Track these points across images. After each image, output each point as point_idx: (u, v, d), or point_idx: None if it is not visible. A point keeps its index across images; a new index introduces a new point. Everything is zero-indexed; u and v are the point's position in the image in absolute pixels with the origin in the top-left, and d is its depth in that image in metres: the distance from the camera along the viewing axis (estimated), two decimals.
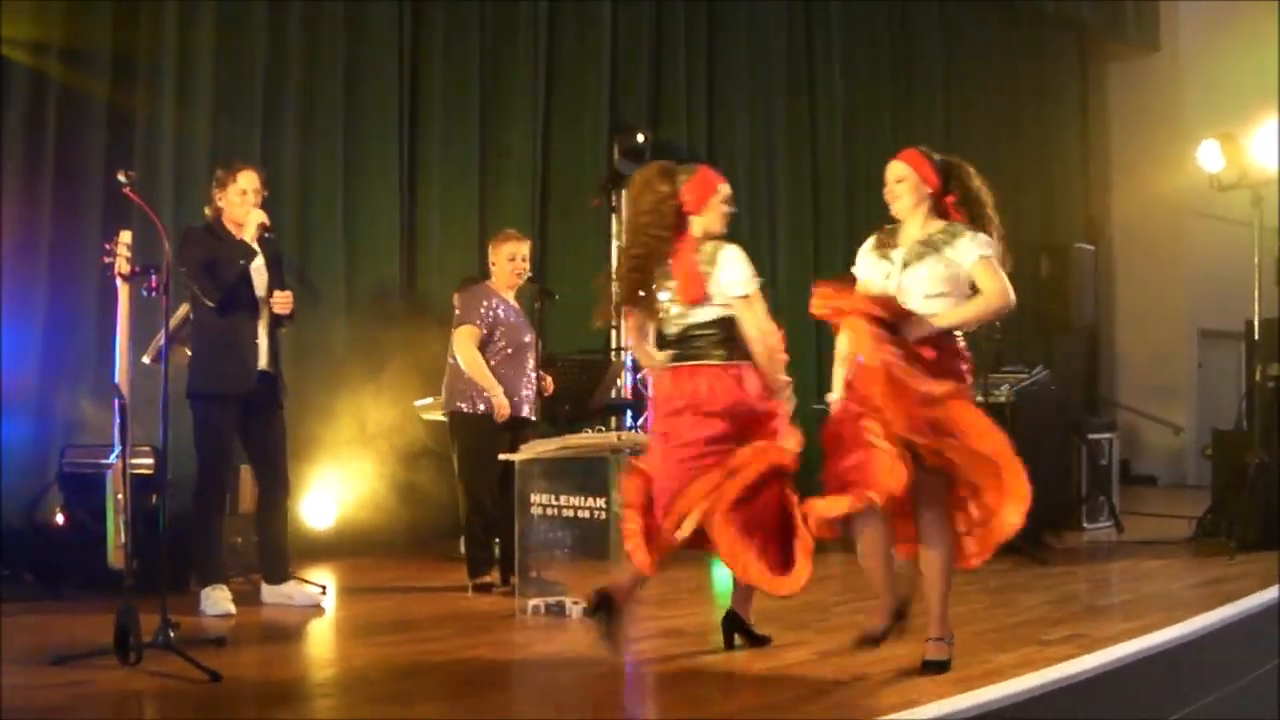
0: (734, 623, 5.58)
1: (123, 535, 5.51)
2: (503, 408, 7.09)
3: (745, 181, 11.90)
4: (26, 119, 7.77)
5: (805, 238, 12.51)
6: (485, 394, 7.14)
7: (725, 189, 5.49)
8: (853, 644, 5.17)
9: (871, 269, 5.28)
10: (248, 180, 6.55)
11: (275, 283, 6.62)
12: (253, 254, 6.46)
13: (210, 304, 6.42)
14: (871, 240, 5.38)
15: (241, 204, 6.50)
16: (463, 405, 7.23)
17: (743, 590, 5.51)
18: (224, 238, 6.49)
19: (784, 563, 5.22)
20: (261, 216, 6.49)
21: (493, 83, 10.22)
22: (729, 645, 5.54)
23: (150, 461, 6.86)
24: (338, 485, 8.81)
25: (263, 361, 6.56)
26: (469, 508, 7.22)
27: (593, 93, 10.84)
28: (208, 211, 6.67)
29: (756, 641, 5.57)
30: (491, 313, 7.24)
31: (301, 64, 9.17)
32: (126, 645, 4.97)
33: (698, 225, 5.39)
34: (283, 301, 6.58)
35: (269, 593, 6.68)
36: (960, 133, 14.22)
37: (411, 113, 9.75)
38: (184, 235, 6.60)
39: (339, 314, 9.15)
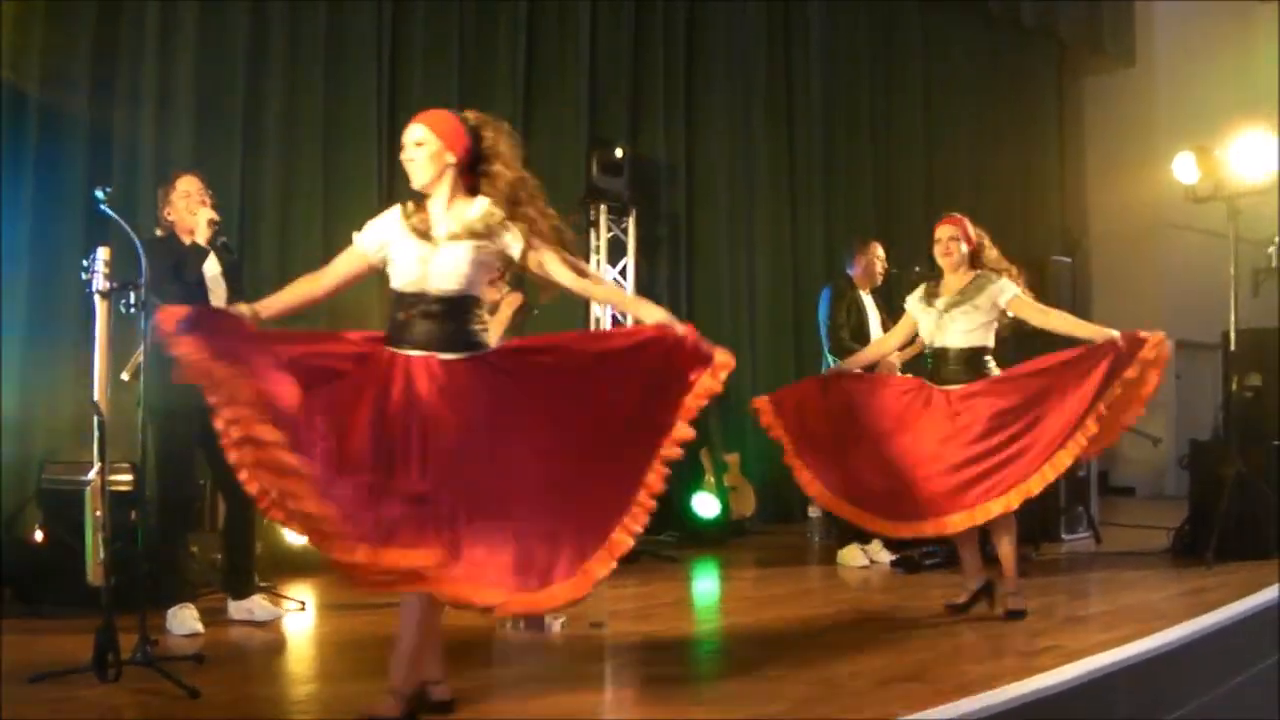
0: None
1: (102, 552, 5.49)
2: None
3: (724, 196, 11.93)
4: (5, 135, 7.74)
5: (784, 250, 12.53)
6: None
7: None
8: None
9: None
10: (187, 183, 6.47)
11: (234, 293, 6.46)
12: (206, 254, 6.32)
13: None
14: None
15: (188, 206, 6.40)
16: None
17: None
18: (179, 247, 6.38)
19: None
20: (211, 214, 6.34)
21: (471, 97, 10.18)
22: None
23: (129, 478, 6.83)
24: None
25: None
26: None
27: (570, 107, 10.86)
28: (159, 231, 6.53)
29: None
30: None
31: (281, 78, 9.17)
32: (105, 662, 4.97)
33: None
34: None
35: (233, 608, 6.63)
36: (939, 145, 14.29)
37: (391, 126, 9.73)
38: (145, 246, 6.56)
39: (319, 326, 9.10)
